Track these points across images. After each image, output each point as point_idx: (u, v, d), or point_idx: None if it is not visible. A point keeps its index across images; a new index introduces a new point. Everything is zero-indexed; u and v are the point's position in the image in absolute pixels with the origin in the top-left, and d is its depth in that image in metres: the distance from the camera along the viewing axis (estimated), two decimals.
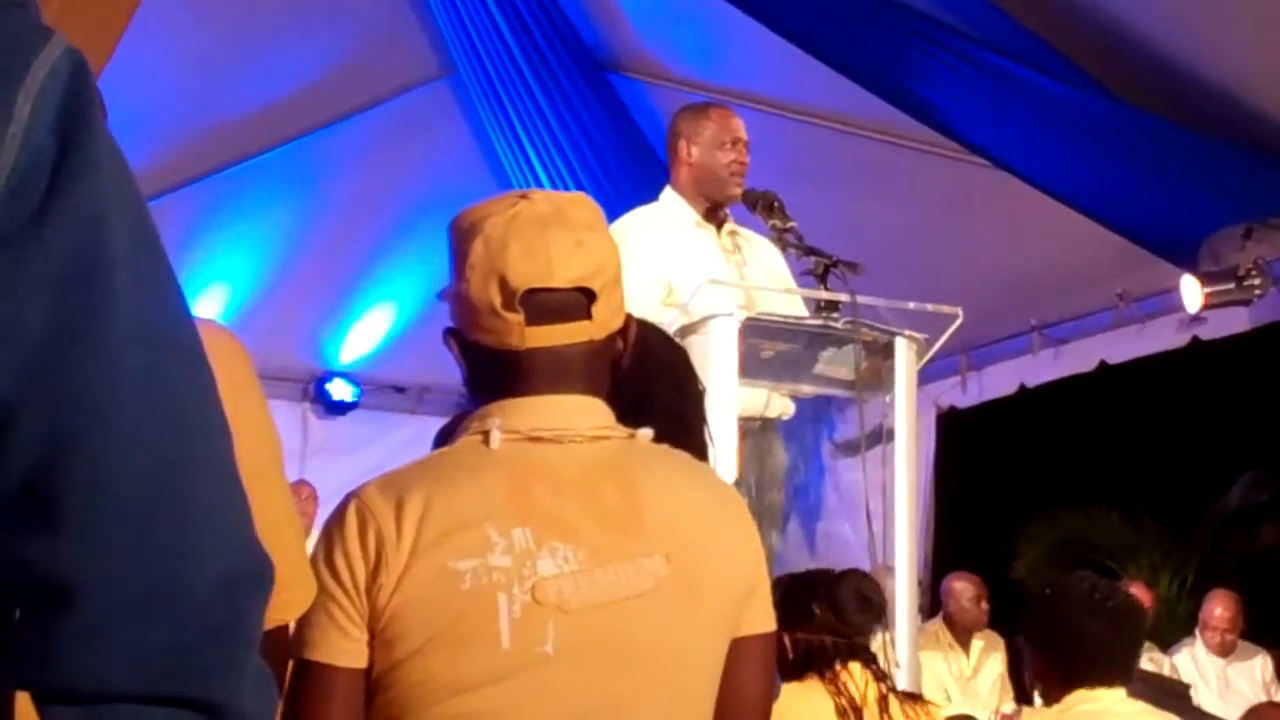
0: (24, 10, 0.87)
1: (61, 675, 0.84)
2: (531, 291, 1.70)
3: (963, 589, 7.49)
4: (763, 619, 1.84)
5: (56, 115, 0.84)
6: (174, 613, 0.85)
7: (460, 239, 1.75)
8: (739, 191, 4.35)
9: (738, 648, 1.80)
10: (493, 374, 1.74)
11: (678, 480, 1.81)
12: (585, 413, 1.75)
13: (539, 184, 6.79)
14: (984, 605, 7.50)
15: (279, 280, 7.23)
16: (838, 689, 3.21)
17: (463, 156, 7.06)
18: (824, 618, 3.25)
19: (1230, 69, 5.32)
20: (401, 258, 7.27)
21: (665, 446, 1.81)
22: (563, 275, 1.71)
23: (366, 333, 7.86)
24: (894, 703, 3.26)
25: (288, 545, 1.55)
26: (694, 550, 1.75)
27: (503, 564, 1.62)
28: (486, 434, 1.70)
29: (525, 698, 1.63)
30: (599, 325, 1.75)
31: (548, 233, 1.71)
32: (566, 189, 6.58)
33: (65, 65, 0.86)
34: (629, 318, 1.82)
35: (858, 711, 3.19)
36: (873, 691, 3.23)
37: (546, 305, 1.72)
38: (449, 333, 1.77)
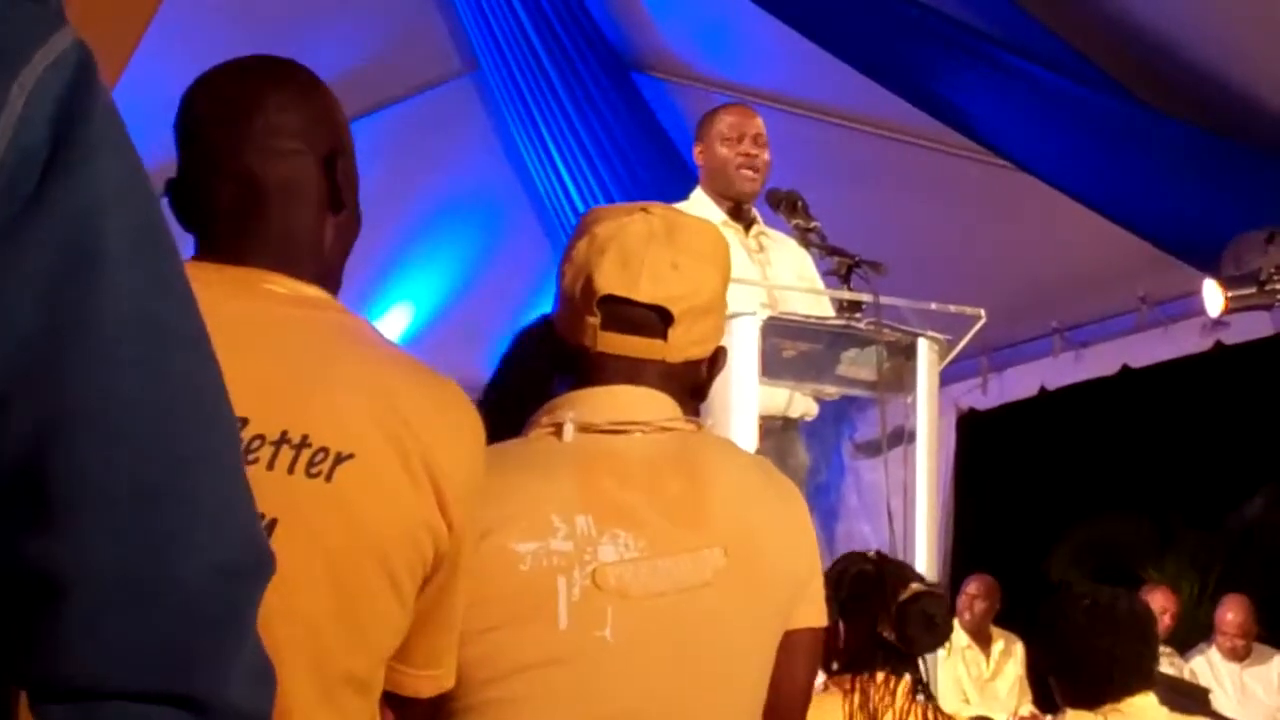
0: (41, 5, 0.86)
1: (53, 670, 0.83)
2: (612, 299, 1.76)
3: (967, 590, 7.47)
4: (814, 613, 1.87)
5: (55, 107, 0.83)
6: (166, 606, 0.84)
7: (574, 234, 1.83)
8: (750, 187, 4.34)
9: (786, 641, 1.83)
10: (569, 367, 1.81)
11: (741, 472, 1.84)
12: (653, 404, 1.78)
13: (561, 183, 6.80)
14: (978, 607, 7.45)
15: None
16: (858, 692, 2.92)
17: (486, 155, 7.04)
18: (885, 631, 2.95)
19: (1254, 73, 5.30)
20: (422, 256, 7.24)
21: (728, 439, 1.84)
22: (648, 291, 1.76)
23: (386, 331, 7.79)
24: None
25: (457, 626, 1.56)
26: (753, 543, 1.78)
27: (563, 548, 1.66)
28: (557, 426, 1.74)
29: (583, 683, 1.66)
30: (674, 348, 1.78)
31: (648, 248, 1.77)
32: (589, 188, 6.59)
33: (71, 57, 0.85)
34: (720, 350, 1.85)
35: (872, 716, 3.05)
36: (904, 703, 2.94)
37: (625, 316, 1.77)
38: (545, 320, 1.83)
